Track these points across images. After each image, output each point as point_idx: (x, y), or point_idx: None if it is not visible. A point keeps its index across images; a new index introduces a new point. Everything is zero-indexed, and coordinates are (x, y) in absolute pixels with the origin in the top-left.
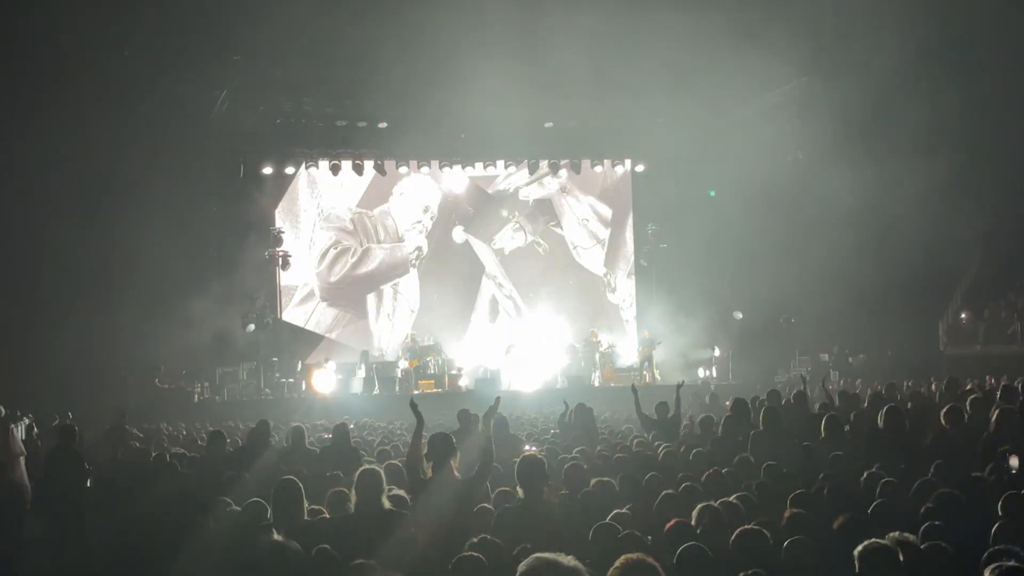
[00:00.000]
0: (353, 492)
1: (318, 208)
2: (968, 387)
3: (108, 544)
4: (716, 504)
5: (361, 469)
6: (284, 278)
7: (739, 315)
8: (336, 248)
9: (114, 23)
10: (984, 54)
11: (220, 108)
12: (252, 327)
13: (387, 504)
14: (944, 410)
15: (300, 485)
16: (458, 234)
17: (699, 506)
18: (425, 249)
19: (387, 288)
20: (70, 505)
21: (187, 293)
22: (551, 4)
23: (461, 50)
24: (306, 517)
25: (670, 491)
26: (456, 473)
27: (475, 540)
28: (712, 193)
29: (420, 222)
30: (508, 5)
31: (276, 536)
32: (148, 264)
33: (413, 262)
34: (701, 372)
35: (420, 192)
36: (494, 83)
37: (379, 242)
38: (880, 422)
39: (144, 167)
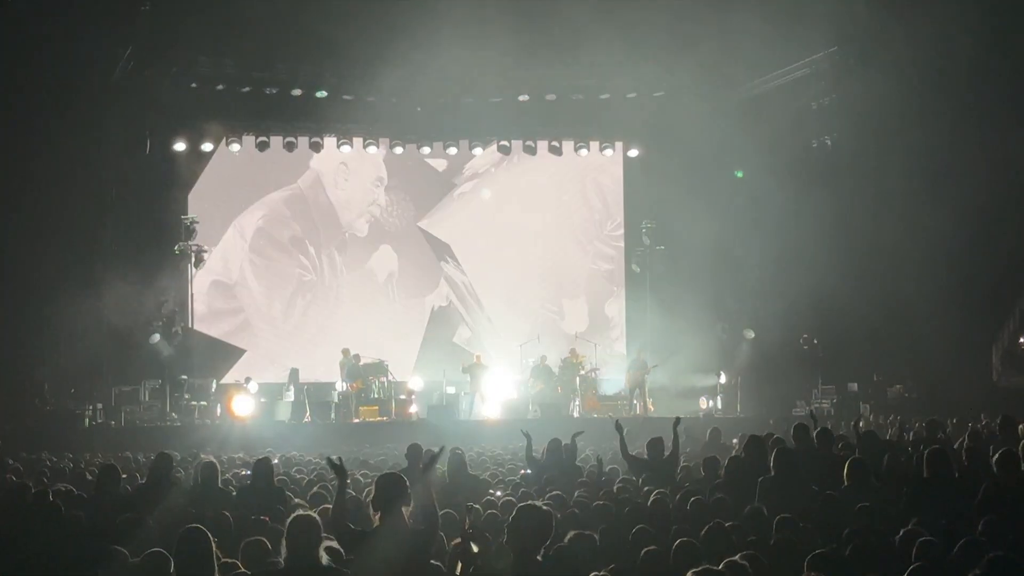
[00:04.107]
0: (284, 543)
1: (241, 192)
2: None
3: None
4: (718, 567)
5: (293, 516)
6: (198, 278)
7: (750, 334)
8: (262, 237)
9: None
10: None
11: (124, 69)
12: (157, 338)
13: (324, 558)
14: (996, 456)
15: (208, 534)
16: (409, 228)
17: (695, 569)
18: (366, 231)
19: (323, 291)
20: None
21: (78, 297)
22: None
23: (418, 5)
24: (217, 574)
25: (661, 548)
26: (407, 521)
27: None
28: (739, 175)
29: (371, 196)
30: None
31: None
32: (26, 261)
33: (356, 233)
34: (703, 403)
35: (364, 164)
36: (457, 46)
37: (315, 225)
38: (924, 468)
39: (25, 142)
